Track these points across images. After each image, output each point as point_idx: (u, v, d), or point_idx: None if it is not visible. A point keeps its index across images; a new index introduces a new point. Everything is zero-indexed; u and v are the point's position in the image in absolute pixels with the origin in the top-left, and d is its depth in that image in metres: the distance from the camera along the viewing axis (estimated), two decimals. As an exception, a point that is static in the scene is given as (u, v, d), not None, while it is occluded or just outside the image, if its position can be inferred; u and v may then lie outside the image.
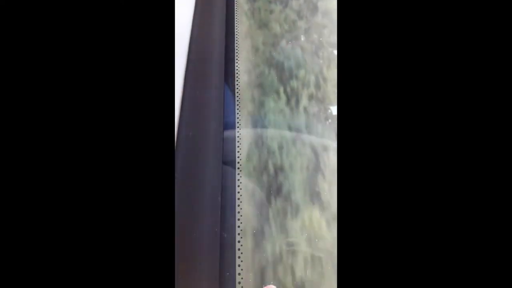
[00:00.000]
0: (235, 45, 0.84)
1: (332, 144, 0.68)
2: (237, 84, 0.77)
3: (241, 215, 0.58)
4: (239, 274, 0.53)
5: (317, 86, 0.78)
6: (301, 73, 0.80)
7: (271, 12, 0.94)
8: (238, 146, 0.67)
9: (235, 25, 0.89)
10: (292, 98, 0.75)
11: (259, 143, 0.68)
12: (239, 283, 0.52)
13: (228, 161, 0.65)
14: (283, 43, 0.86)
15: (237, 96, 0.75)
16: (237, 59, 0.82)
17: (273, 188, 0.62)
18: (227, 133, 0.69)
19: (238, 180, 0.62)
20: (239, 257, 0.54)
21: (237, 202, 0.60)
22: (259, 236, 0.57)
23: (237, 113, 0.72)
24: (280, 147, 0.67)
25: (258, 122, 0.71)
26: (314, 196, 0.61)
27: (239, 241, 0.55)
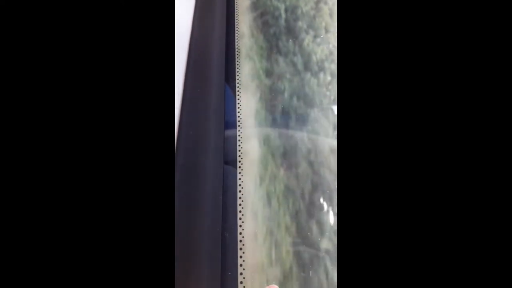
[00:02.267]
0: (236, 43, 0.84)
1: (334, 143, 0.68)
2: (237, 83, 0.77)
3: (242, 214, 0.58)
4: (241, 274, 0.52)
5: (320, 83, 0.77)
6: (304, 70, 0.80)
7: (273, 10, 0.94)
8: (239, 145, 0.67)
9: (236, 22, 0.89)
10: (294, 96, 0.75)
11: (260, 142, 0.68)
12: (241, 283, 0.52)
13: (229, 161, 0.65)
14: (284, 41, 0.86)
15: (238, 95, 0.74)
16: (237, 57, 0.81)
17: (275, 187, 0.62)
18: (228, 132, 0.69)
19: (240, 179, 0.62)
20: (241, 257, 0.54)
21: (239, 201, 0.60)
22: (261, 235, 0.56)
23: (238, 112, 0.72)
24: (282, 146, 0.67)
25: (260, 121, 0.71)
26: (317, 195, 0.61)
27: (240, 241, 0.55)
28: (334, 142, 0.68)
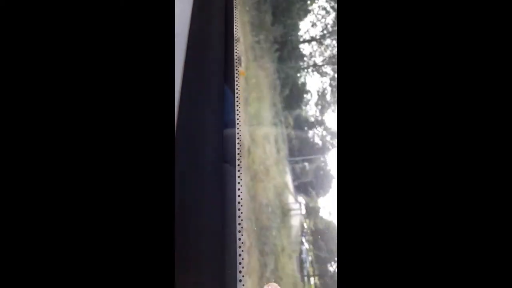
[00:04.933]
0: (235, 42, 0.84)
1: (333, 142, 0.68)
2: (236, 82, 0.76)
3: (241, 212, 0.58)
4: (240, 272, 0.53)
5: (318, 80, 0.77)
6: (302, 68, 0.80)
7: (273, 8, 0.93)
8: (238, 143, 0.67)
9: (234, 20, 0.88)
10: (293, 93, 0.75)
11: (259, 140, 0.68)
12: (240, 281, 0.52)
13: (228, 160, 0.65)
14: (284, 37, 0.86)
15: (237, 94, 0.74)
16: (236, 56, 0.81)
17: (274, 186, 0.62)
18: (227, 131, 0.69)
19: (239, 177, 0.62)
20: (240, 255, 0.54)
21: (238, 199, 0.60)
22: (260, 234, 0.57)
23: (237, 111, 0.72)
24: (281, 145, 0.67)
25: (259, 119, 0.71)
26: (317, 192, 0.61)
27: (239, 239, 0.56)
28: (334, 141, 0.68)
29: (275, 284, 0.52)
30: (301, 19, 0.91)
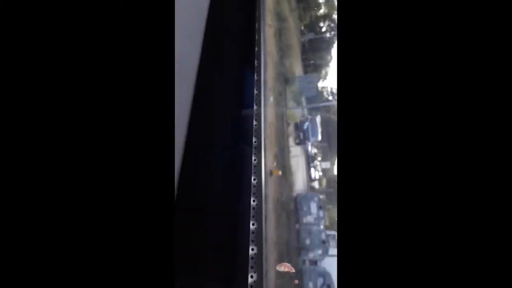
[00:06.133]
0: (257, 22, 0.79)
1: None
2: (257, 63, 0.74)
3: (256, 196, 0.59)
4: (252, 249, 0.54)
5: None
6: (325, 46, 0.75)
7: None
8: (255, 125, 0.66)
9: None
10: (316, 74, 0.72)
11: (278, 122, 0.67)
12: (252, 258, 0.54)
13: (245, 140, 0.65)
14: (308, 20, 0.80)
15: (257, 76, 0.72)
16: (258, 37, 0.77)
17: (290, 167, 0.62)
18: (246, 112, 0.68)
19: (254, 160, 0.63)
20: (252, 241, 0.56)
21: (253, 182, 0.61)
22: (275, 216, 0.58)
23: (256, 92, 0.70)
24: (300, 126, 0.66)
25: (279, 101, 0.69)
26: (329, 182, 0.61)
27: (253, 224, 0.57)
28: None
29: (288, 264, 0.54)
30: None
